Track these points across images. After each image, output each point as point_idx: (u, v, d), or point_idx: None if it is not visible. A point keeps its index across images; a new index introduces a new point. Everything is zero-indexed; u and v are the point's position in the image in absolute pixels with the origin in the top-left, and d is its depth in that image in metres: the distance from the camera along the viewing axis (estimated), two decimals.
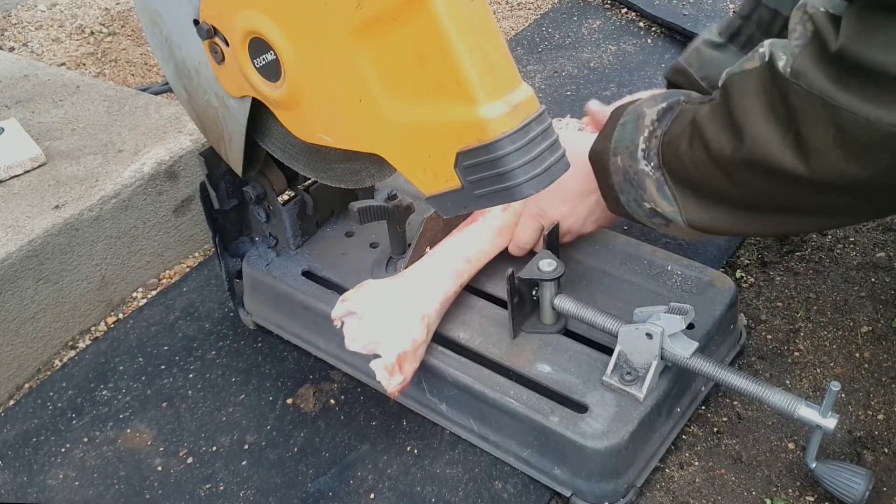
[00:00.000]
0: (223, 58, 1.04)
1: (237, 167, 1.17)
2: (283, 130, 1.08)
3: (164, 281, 1.53)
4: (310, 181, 1.29)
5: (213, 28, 1.02)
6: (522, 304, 1.14)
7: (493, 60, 0.87)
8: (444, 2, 0.83)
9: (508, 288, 1.09)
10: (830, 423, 0.98)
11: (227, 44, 1.02)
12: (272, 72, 1.00)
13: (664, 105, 1.00)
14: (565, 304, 1.12)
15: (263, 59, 0.99)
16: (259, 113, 1.09)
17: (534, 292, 1.14)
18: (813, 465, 1.02)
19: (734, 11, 1.26)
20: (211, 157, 1.21)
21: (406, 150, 0.95)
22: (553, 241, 1.17)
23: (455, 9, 0.84)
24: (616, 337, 1.08)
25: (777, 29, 1.17)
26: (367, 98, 0.93)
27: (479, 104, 0.86)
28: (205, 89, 1.12)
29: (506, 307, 1.14)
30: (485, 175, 0.90)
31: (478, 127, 0.87)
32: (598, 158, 1.03)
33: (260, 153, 1.17)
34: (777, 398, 1.00)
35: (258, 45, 0.98)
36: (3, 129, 1.50)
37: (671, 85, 1.26)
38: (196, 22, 1.04)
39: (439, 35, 0.84)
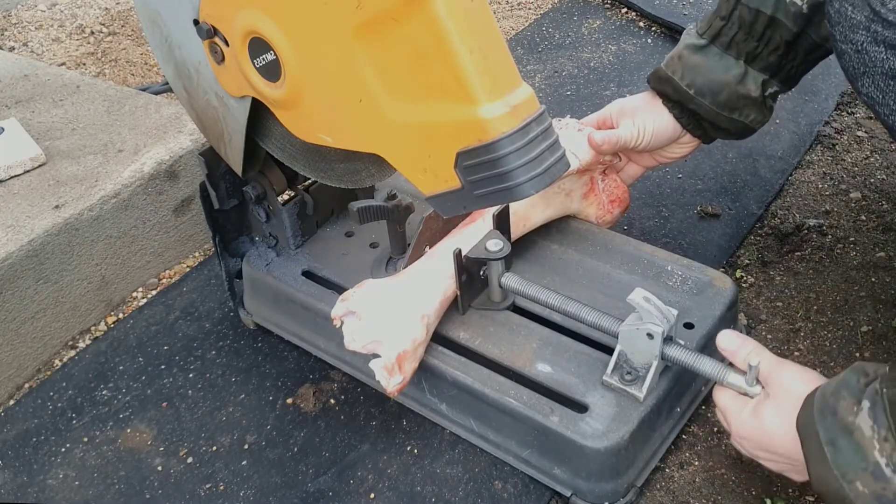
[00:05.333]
0: (223, 58, 1.04)
1: (237, 167, 1.17)
2: (283, 130, 1.08)
3: (164, 281, 1.53)
4: (310, 181, 1.29)
5: (213, 28, 1.02)
6: (472, 282, 1.16)
7: (494, 60, 0.87)
8: (444, 2, 0.83)
9: (456, 266, 1.12)
10: (755, 391, 0.99)
11: (227, 44, 1.02)
12: (272, 72, 1.00)
13: (866, 403, 0.86)
14: (511, 282, 1.14)
15: (263, 59, 0.99)
16: (259, 113, 1.09)
17: (482, 271, 1.16)
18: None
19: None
20: (211, 157, 1.21)
21: (406, 150, 0.95)
22: (503, 222, 1.18)
23: (455, 9, 0.84)
24: (559, 311, 1.11)
25: (760, 29, 1.16)
26: (368, 98, 0.93)
27: (480, 104, 0.86)
28: (205, 89, 1.12)
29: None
30: (485, 175, 0.90)
31: (478, 127, 0.87)
32: (829, 489, 0.88)
33: (260, 153, 1.17)
34: (707, 366, 1.02)
35: (258, 45, 0.98)
36: (3, 129, 1.50)
37: (658, 93, 1.25)
38: (196, 22, 1.04)
39: (439, 35, 0.84)
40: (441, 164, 0.92)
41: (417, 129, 0.92)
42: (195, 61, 1.09)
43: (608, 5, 2.25)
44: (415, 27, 0.85)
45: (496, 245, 1.13)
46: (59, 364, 1.37)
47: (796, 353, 1.26)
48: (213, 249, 1.37)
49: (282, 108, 1.04)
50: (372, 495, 1.13)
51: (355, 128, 0.98)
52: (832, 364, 1.24)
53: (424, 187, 0.95)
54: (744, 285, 1.39)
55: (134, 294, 1.50)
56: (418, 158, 0.94)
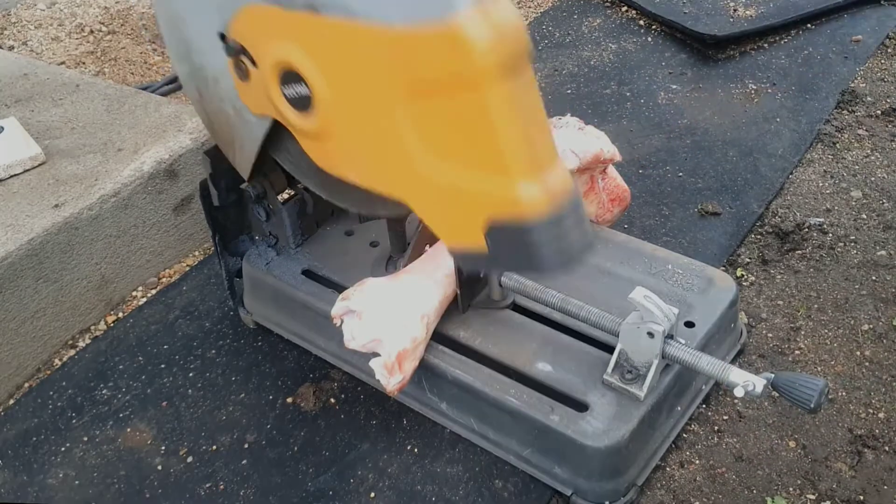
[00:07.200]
0: (248, 75, 1.01)
1: (244, 173, 1.17)
2: (299, 148, 1.07)
3: (163, 280, 1.53)
4: None
5: (242, 47, 0.99)
6: (472, 281, 1.17)
7: (537, 142, 0.87)
8: (499, 91, 0.82)
9: (456, 266, 1.12)
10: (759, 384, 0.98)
11: (255, 65, 0.99)
12: (303, 104, 0.97)
13: None
14: (511, 280, 1.14)
15: (294, 91, 0.97)
16: (275, 127, 1.07)
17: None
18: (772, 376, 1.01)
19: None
20: (216, 157, 1.20)
21: (436, 205, 0.94)
22: None
23: (510, 95, 0.83)
24: (559, 310, 1.11)
25: None
26: (403, 151, 0.92)
27: (519, 184, 0.87)
28: (221, 97, 1.10)
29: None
30: (512, 249, 0.91)
31: (515, 206, 0.88)
32: None
33: (268, 160, 1.16)
34: (708, 365, 1.02)
35: (291, 76, 0.96)
36: (2, 128, 1.50)
37: None
38: (223, 37, 1.01)
39: (491, 116, 0.84)
40: (469, 226, 0.92)
41: (451, 190, 0.92)
42: (215, 70, 1.07)
43: (608, 3, 2.24)
44: (466, 104, 0.85)
45: None
46: (59, 363, 1.37)
47: (797, 352, 1.26)
48: (212, 248, 1.37)
49: (307, 138, 1.02)
50: (372, 494, 1.12)
51: (385, 173, 0.96)
52: (833, 363, 1.24)
53: (447, 240, 0.96)
54: (744, 284, 1.39)
55: (134, 293, 1.50)
56: (447, 215, 0.94)
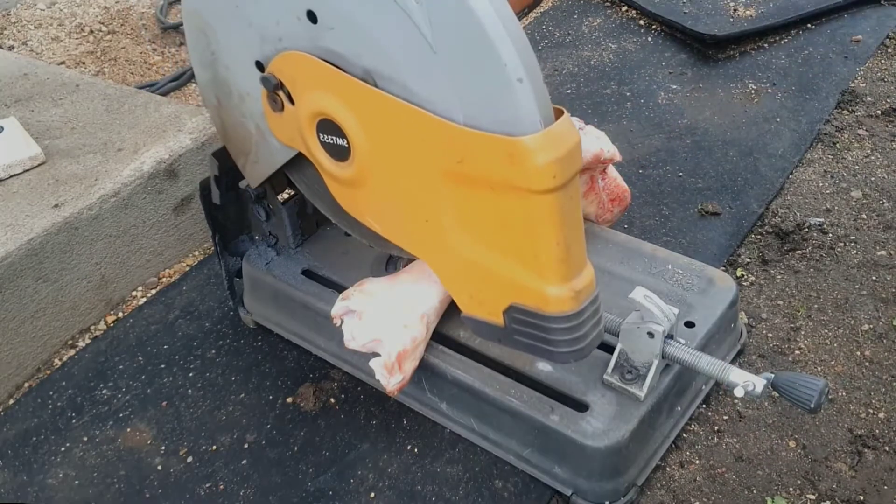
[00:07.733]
0: (282, 109, 1.00)
1: (252, 182, 1.17)
2: (316, 172, 1.06)
3: (163, 280, 1.53)
4: None
5: (281, 83, 0.98)
6: None
7: (573, 249, 0.89)
8: (549, 200, 0.84)
9: None
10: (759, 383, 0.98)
11: (293, 102, 0.98)
12: (339, 153, 0.97)
13: None
14: None
15: (332, 139, 0.96)
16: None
17: None
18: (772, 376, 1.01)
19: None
20: (223, 158, 1.20)
21: (459, 275, 0.95)
22: None
23: (557, 206, 0.85)
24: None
25: None
26: (435, 222, 0.93)
27: (550, 284, 0.90)
28: (244, 114, 1.08)
29: None
30: (531, 332, 0.93)
31: (541, 298, 0.90)
32: None
33: (279, 174, 1.16)
34: (708, 365, 1.02)
35: (331, 127, 0.96)
36: (2, 128, 1.50)
37: None
38: (260, 67, 0.99)
39: (535, 223, 0.86)
40: (490, 301, 0.94)
41: (479, 268, 0.93)
42: (242, 89, 1.06)
43: (608, 3, 2.24)
44: (513, 205, 0.86)
45: None
46: (59, 363, 1.37)
47: (797, 352, 1.26)
48: (212, 248, 1.37)
49: (336, 182, 1.01)
50: (372, 494, 1.12)
51: (412, 234, 0.97)
52: (833, 363, 1.24)
53: (464, 307, 0.97)
54: (744, 284, 1.39)
55: (133, 293, 1.50)
56: (468, 286, 0.95)
